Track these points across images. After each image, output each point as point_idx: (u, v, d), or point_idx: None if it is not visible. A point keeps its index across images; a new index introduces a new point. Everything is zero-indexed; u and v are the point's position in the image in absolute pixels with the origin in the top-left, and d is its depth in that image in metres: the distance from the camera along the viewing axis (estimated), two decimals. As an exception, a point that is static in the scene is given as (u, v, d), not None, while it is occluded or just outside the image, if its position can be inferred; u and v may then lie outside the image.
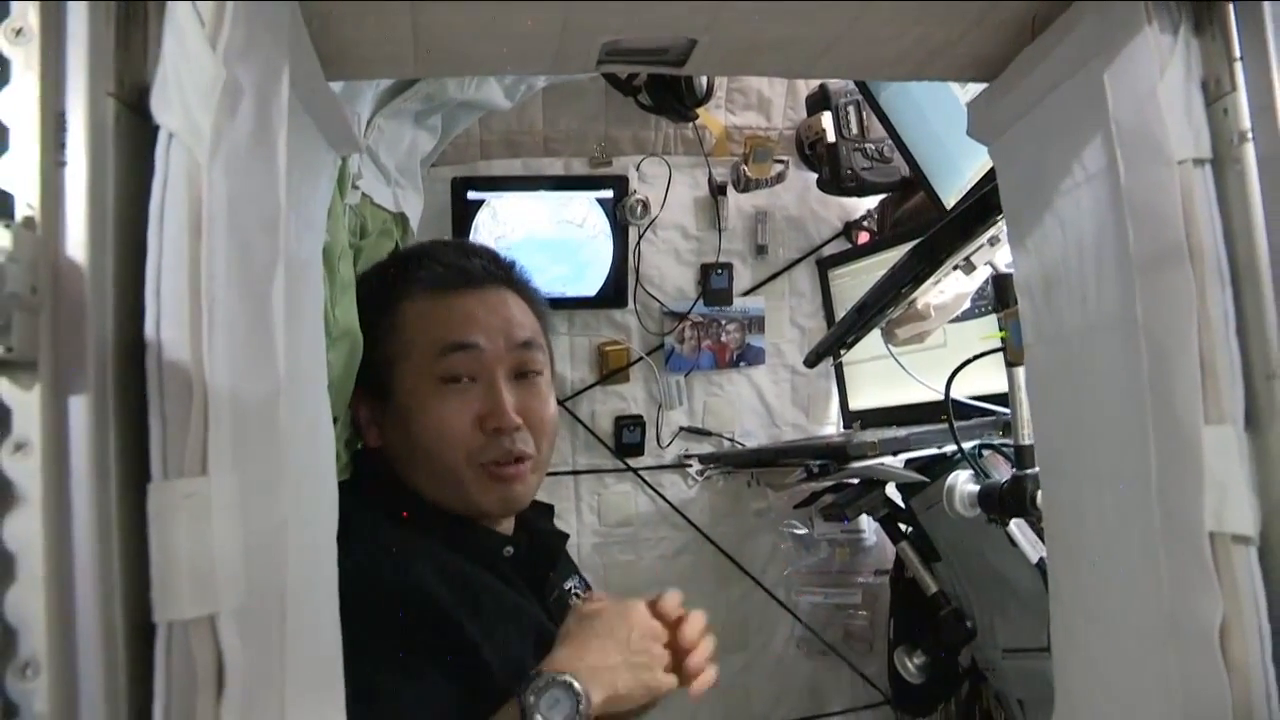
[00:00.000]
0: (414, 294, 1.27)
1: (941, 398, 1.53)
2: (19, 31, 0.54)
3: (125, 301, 0.56)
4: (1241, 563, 0.63)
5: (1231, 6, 0.66)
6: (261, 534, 0.60)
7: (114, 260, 0.56)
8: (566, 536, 1.40)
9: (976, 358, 1.49)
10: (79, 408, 0.53)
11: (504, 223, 2.19)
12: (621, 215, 2.24)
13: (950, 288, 1.51)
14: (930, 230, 1.35)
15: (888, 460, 1.61)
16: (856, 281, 2.30)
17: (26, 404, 0.52)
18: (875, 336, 1.69)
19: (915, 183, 2.00)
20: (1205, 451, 0.64)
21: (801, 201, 2.44)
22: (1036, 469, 1.27)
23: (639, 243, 2.31)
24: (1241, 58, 0.66)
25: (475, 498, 1.22)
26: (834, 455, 1.65)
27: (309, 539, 0.72)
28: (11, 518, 0.52)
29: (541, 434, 1.27)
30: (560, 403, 2.02)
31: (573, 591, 1.33)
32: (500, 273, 1.33)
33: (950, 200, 1.79)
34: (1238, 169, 0.65)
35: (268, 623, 0.60)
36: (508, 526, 1.29)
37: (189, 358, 0.56)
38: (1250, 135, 0.65)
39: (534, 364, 1.29)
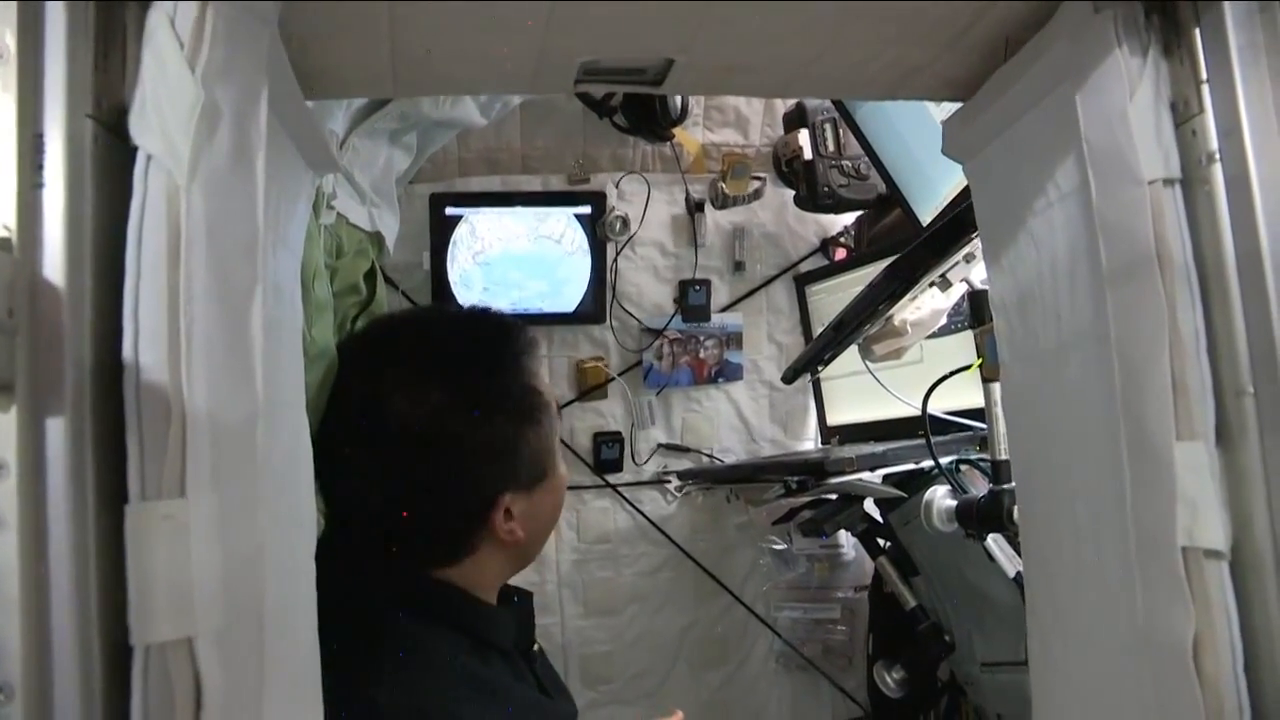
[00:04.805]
0: (530, 367, 1.19)
1: (918, 413, 1.54)
2: (-4, 53, 0.54)
3: (103, 324, 0.56)
4: (1214, 577, 0.64)
5: (1198, 31, 0.68)
6: (240, 556, 0.60)
7: (92, 282, 0.56)
8: (531, 595, 1.32)
9: (952, 374, 1.50)
10: (56, 430, 0.53)
11: (482, 238, 2.19)
12: (600, 231, 2.23)
13: (926, 304, 1.52)
14: (907, 248, 1.36)
15: (865, 476, 1.61)
16: (834, 297, 2.31)
17: (3, 426, 0.52)
18: (852, 352, 1.70)
19: (892, 200, 2.02)
20: (1177, 467, 0.65)
21: (779, 218, 2.44)
22: (1013, 484, 1.28)
23: (617, 259, 2.31)
24: (1208, 81, 0.67)
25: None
26: (812, 471, 1.64)
27: (287, 560, 0.72)
28: (-13, 541, 0.51)
29: None
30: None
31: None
32: None
33: (927, 217, 1.80)
34: (1206, 189, 0.66)
35: (246, 645, 0.60)
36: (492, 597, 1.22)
37: (167, 380, 0.56)
38: (1218, 156, 0.66)
39: None
